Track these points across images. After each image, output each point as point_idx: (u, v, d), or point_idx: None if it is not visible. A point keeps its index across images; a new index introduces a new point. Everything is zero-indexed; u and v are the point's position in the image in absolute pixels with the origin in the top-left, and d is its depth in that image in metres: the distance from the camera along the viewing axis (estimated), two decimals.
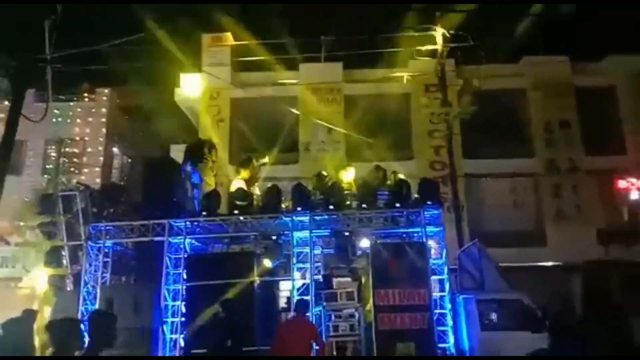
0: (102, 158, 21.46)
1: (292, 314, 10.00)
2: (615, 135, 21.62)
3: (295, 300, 9.15)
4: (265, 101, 21.90)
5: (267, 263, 11.07)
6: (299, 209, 10.91)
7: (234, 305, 9.61)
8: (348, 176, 11.66)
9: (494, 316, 10.50)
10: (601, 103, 21.87)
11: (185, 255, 11.02)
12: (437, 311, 10.34)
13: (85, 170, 21.02)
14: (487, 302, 10.56)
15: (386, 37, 20.93)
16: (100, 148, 21.51)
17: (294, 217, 10.95)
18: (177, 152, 21.74)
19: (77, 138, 21.29)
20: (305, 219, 10.91)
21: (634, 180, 20.47)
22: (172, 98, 23.51)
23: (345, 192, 11.18)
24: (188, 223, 11.14)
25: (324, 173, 11.91)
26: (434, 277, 10.52)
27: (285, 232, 11.02)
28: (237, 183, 12.06)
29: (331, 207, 10.84)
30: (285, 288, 13.13)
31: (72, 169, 20.73)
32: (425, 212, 10.74)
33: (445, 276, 10.54)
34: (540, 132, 21.75)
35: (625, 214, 21.33)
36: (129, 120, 23.64)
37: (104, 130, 21.75)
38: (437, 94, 21.19)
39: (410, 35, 19.66)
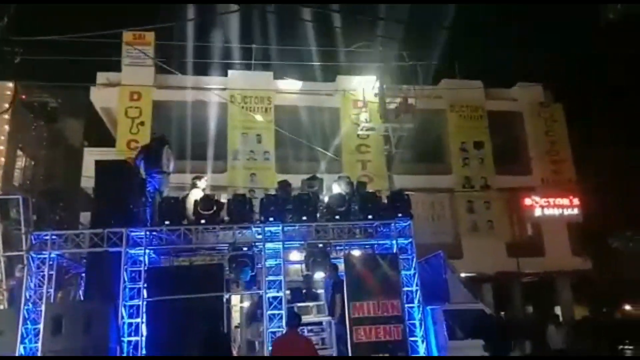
0: (3, 159, 19.09)
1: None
2: (522, 156, 23.69)
3: (287, 314, 8.72)
4: (191, 106, 20.95)
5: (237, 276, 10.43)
6: (270, 219, 10.49)
7: (203, 321, 9.03)
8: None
9: (459, 326, 10.84)
10: (510, 126, 23.89)
11: (145, 268, 10.07)
12: (408, 322, 10.46)
13: None
14: (453, 313, 10.90)
15: (321, 51, 21.04)
16: (1, 147, 19.12)
17: (265, 228, 10.49)
18: (92, 157, 20.03)
19: None
20: (277, 229, 10.51)
21: (537, 198, 22.50)
22: (85, 97, 21.68)
23: (318, 203, 10.95)
24: (148, 233, 10.21)
25: (289, 182, 11.58)
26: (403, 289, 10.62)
27: (256, 244, 10.50)
28: (197, 192, 11.28)
29: (304, 217, 10.55)
30: (235, 302, 12.56)
31: None
32: (396, 224, 10.86)
33: (414, 287, 10.68)
34: (457, 151, 23.16)
35: (530, 229, 23.39)
36: (34, 118, 21.36)
37: (6, 127, 19.38)
38: (365, 110, 21.78)
39: (347, 51, 19.98)
